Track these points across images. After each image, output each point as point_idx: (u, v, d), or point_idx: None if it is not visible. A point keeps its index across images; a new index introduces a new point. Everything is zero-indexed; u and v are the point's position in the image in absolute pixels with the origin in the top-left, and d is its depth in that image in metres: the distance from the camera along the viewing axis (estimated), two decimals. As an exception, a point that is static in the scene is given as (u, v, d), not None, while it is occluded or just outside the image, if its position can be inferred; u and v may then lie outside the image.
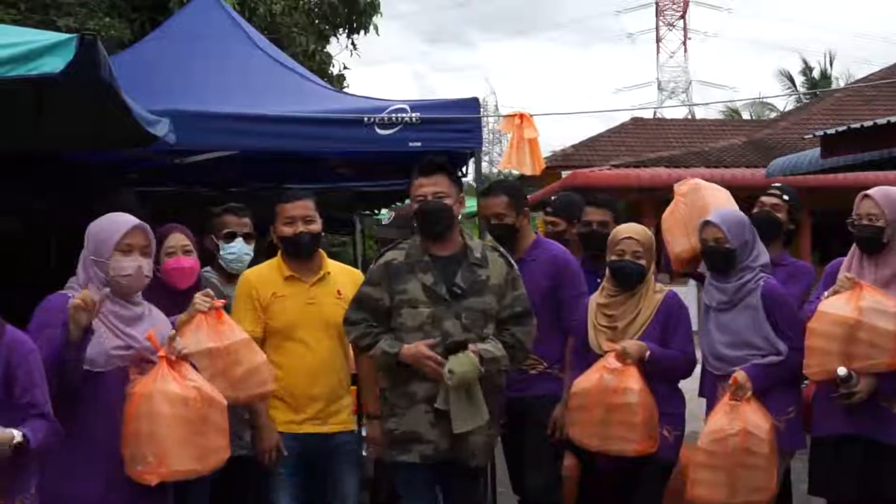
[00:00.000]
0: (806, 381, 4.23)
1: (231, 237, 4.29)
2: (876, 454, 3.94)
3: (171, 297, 3.81)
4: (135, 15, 9.01)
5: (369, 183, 7.95)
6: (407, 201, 5.72)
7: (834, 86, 26.98)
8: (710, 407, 4.26)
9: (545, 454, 4.40)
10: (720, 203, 4.57)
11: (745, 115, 30.32)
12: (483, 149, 5.94)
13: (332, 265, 4.21)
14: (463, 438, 3.73)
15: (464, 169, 5.85)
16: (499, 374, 3.87)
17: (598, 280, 4.42)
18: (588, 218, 4.81)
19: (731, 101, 34.11)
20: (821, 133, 8.29)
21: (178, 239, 3.98)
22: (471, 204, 6.25)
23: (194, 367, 3.39)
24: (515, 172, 6.32)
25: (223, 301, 3.78)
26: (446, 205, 3.83)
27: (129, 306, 3.32)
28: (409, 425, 3.78)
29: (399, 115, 5.52)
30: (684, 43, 51.76)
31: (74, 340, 3.02)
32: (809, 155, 9.37)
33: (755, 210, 4.61)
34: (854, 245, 4.12)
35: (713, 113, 36.25)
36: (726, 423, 3.95)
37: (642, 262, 4.17)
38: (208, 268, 4.32)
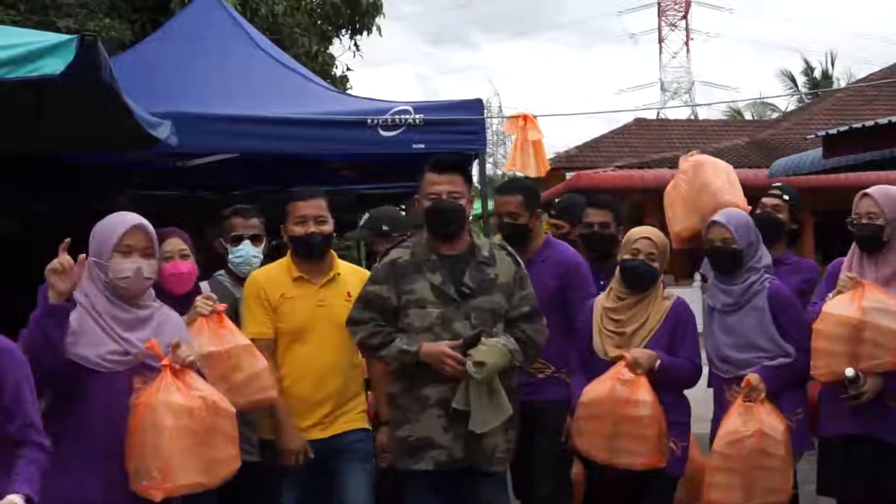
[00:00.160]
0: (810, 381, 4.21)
1: (238, 240, 4.21)
2: (884, 454, 3.92)
3: (170, 301, 3.73)
4: (135, 16, 8.99)
5: (373, 185, 7.90)
6: (384, 206, 5.65)
7: (835, 86, 26.97)
8: (717, 409, 4.22)
9: (555, 461, 4.32)
10: (721, 181, 4.55)
11: (748, 116, 30.27)
12: (487, 150, 5.89)
13: (342, 266, 4.14)
14: (478, 442, 3.64)
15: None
16: (513, 370, 3.78)
17: (602, 282, 4.37)
18: (589, 219, 4.75)
19: (733, 102, 34.07)
20: (822, 133, 8.27)
21: (176, 243, 3.86)
22: (476, 206, 6.21)
23: (201, 374, 3.29)
24: (520, 174, 6.27)
25: (224, 305, 3.73)
26: (461, 205, 3.74)
27: (132, 309, 3.20)
28: (422, 431, 3.67)
29: (402, 116, 5.50)
30: (686, 43, 51.81)
31: (54, 308, 2.88)
32: (811, 155, 9.36)
33: (756, 211, 4.58)
34: (854, 244, 4.10)
35: (716, 113, 36.37)
36: (741, 424, 3.92)
37: (655, 264, 4.11)
38: (221, 271, 4.26)
